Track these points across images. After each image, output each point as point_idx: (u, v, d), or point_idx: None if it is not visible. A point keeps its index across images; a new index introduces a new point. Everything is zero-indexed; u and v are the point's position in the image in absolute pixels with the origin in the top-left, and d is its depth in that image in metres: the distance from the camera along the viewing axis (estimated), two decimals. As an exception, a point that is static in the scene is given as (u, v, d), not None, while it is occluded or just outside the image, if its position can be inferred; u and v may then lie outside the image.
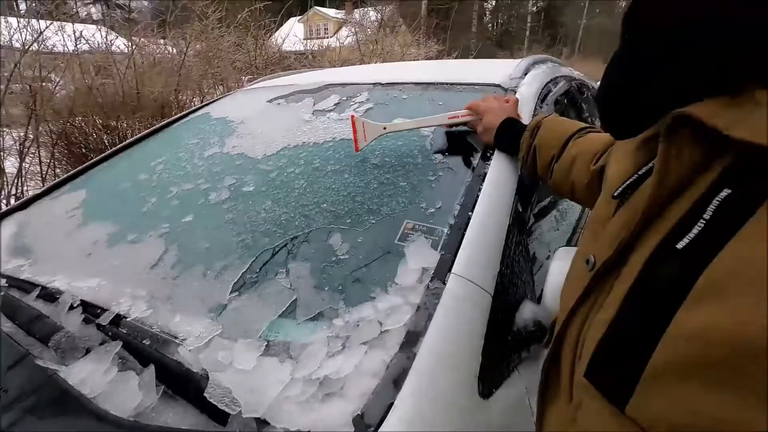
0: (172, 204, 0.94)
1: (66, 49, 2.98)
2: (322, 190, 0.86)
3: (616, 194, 0.40)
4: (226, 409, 0.49)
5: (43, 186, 2.95)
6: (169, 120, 1.58)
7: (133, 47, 3.07)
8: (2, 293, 0.76)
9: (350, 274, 0.68)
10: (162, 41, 4.13)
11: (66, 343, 0.62)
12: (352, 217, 0.78)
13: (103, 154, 1.45)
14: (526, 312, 0.69)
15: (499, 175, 0.81)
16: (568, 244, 1.08)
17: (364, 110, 1.12)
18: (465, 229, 0.69)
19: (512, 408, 0.60)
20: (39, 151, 2.72)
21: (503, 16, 35.95)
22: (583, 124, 0.79)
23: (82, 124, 3.28)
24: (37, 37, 2.46)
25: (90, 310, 0.69)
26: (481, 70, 1.34)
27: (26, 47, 2.38)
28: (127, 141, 1.49)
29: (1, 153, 2.44)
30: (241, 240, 0.78)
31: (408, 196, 0.81)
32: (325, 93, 1.32)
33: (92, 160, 1.42)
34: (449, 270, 0.63)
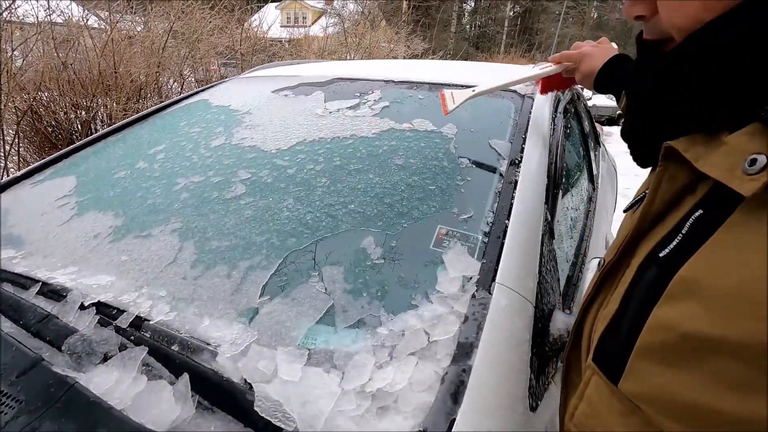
0: (182, 197, 0.88)
1: (36, 19, 2.75)
2: (347, 190, 0.83)
3: (625, 209, 0.49)
4: (281, 425, 0.46)
5: (5, 166, 2.75)
6: (161, 105, 1.49)
7: (113, 22, 2.87)
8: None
9: (387, 279, 0.66)
10: (139, 19, 3.92)
11: (82, 347, 0.57)
12: (382, 219, 0.75)
13: (88, 138, 1.35)
14: (559, 322, 0.69)
15: (530, 184, 0.80)
16: (578, 252, 1.10)
17: (380, 108, 1.09)
18: (503, 238, 0.68)
19: (552, 421, 0.60)
20: (2, 129, 2.51)
21: (481, 18, 36.42)
22: None
23: (50, 102, 3.06)
24: (9, 5, 2.26)
25: (104, 311, 0.63)
26: (495, 75, 1.34)
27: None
28: (116, 125, 1.40)
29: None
30: (266, 239, 0.74)
31: (438, 201, 0.79)
32: (335, 87, 1.28)
33: (76, 144, 1.32)
34: (493, 279, 0.62)
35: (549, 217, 0.79)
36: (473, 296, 0.60)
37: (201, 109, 1.33)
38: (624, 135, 0.47)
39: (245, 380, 0.52)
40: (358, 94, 1.19)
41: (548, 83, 1.02)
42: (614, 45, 0.86)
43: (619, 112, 12.06)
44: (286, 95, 1.28)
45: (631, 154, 0.47)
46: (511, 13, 33.96)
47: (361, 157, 0.92)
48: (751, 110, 0.32)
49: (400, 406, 0.49)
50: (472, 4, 36.40)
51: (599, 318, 0.44)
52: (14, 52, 2.50)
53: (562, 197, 0.98)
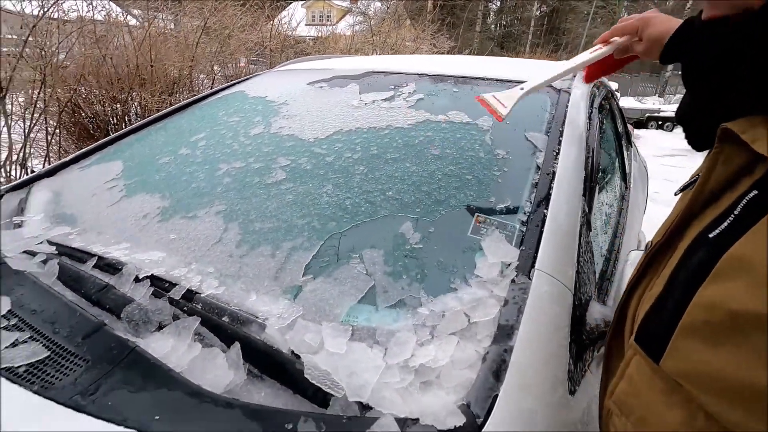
0: (225, 181, 0.92)
1: (80, 15, 2.88)
2: (385, 178, 0.84)
3: (675, 192, 0.49)
4: (331, 392, 0.48)
5: (46, 155, 2.88)
6: (199, 96, 1.54)
7: (149, 20, 2.98)
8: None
9: (426, 263, 0.67)
10: (171, 17, 4.03)
11: (139, 315, 0.60)
12: (420, 206, 0.77)
13: (131, 127, 1.41)
14: (595, 312, 0.69)
15: (568, 175, 0.81)
16: (611, 247, 1.09)
17: (415, 101, 1.11)
18: (542, 226, 0.69)
19: (590, 407, 0.60)
20: (47, 120, 2.63)
21: (507, 18, 35.96)
22: None
23: (89, 94, 3.19)
24: (56, 2, 2.38)
25: (157, 284, 0.67)
26: (525, 70, 1.34)
27: (44, 11, 2.30)
28: (157, 115, 1.45)
29: (9, 118, 2.35)
30: (307, 222, 0.77)
31: (475, 190, 0.80)
32: (369, 80, 1.30)
33: (120, 132, 1.39)
34: (532, 265, 0.63)
35: (586, 209, 0.79)
36: (513, 281, 0.61)
37: (238, 100, 1.37)
38: (680, 114, 0.46)
39: (292, 351, 0.55)
40: (393, 87, 1.20)
41: (596, 68, 0.92)
42: None
43: (648, 114, 11.74)
44: (321, 87, 1.31)
45: (686, 136, 0.46)
46: (538, 13, 33.43)
47: (398, 146, 0.93)
48: None
49: (442, 381, 0.51)
50: (498, 3, 36.01)
51: (644, 299, 0.44)
52: (58, 47, 2.61)
53: (598, 192, 0.98)
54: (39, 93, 2.41)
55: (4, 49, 2.87)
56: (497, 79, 1.19)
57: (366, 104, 1.13)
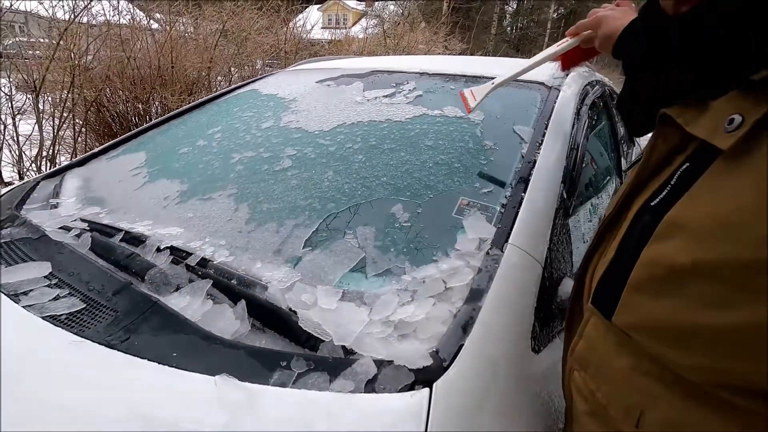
0: (237, 168, 1.01)
1: (107, 19, 3.05)
2: (381, 165, 0.93)
3: (625, 169, 0.53)
4: (320, 337, 0.56)
5: (73, 151, 3.04)
6: (216, 93, 1.65)
7: (171, 23, 3.14)
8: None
9: (413, 239, 0.75)
10: (191, 21, 4.19)
11: (160, 278, 0.70)
12: (411, 190, 0.85)
13: (153, 122, 1.53)
14: (567, 287, 0.76)
15: (548, 163, 0.87)
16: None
17: (414, 97, 1.19)
18: (518, 208, 0.76)
19: (554, 366, 0.67)
20: (74, 118, 2.80)
21: (523, 20, 35.76)
22: None
23: (113, 94, 3.36)
24: (87, 5, 2.54)
25: (176, 253, 0.76)
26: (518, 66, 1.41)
27: (75, 16, 2.46)
28: (176, 111, 1.56)
29: (40, 117, 2.51)
30: (308, 203, 0.85)
31: (462, 176, 0.88)
32: (373, 78, 1.39)
33: (143, 126, 1.50)
34: (506, 240, 0.70)
35: (565, 196, 0.86)
36: (487, 253, 0.68)
37: (252, 97, 1.48)
38: (620, 102, 0.52)
39: (290, 308, 0.63)
40: (395, 85, 1.29)
41: (568, 58, 0.98)
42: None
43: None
44: (328, 85, 1.40)
45: (625, 124, 0.52)
46: (555, 15, 33.13)
47: (395, 138, 1.01)
48: (734, 78, 0.37)
49: (417, 333, 0.59)
50: (514, 5, 35.82)
51: (599, 266, 0.48)
52: (86, 49, 2.77)
53: (585, 184, 1.04)
54: (68, 93, 2.57)
55: (37, 52, 3.05)
56: (481, 77, 1.26)
57: (369, 100, 1.22)
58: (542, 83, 1.21)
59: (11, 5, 2.58)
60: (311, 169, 0.95)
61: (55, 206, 1.03)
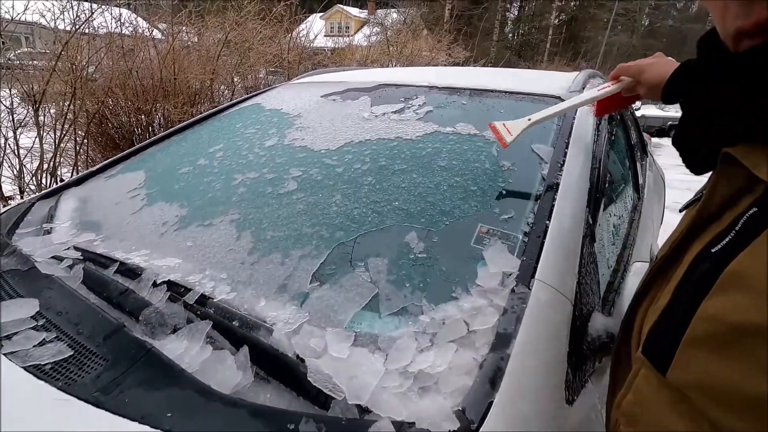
0: (239, 191, 0.96)
1: (109, 31, 3.02)
2: (392, 188, 0.87)
3: (681, 208, 0.50)
4: (331, 394, 0.50)
5: (75, 163, 3.01)
6: (218, 108, 1.61)
7: (174, 34, 3.11)
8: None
9: (429, 272, 0.69)
10: (194, 30, 4.17)
11: (156, 318, 0.64)
12: (425, 216, 0.79)
13: (153, 138, 1.48)
14: (598, 323, 0.70)
15: (572, 187, 0.82)
16: (620, 258, 1.09)
17: (424, 113, 1.14)
18: (543, 237, 0.70)
19: (589, 417, 0.61)
20: (75, 130, 2.76)
21: (524, 27, 35.86)
22: None
23: (115, 106, 3.33)
24: (89, 18, 2.51)
25: (173, 288, 0.70)
26: (534, 81, 1.36)
27: (77, 27, 2.43)
28: (177, 127, 1.52)
29: (41, 129, 2.48)
30: (315, 231, 0.80)
31: (479, 201, 0.82)
32: (380, 92, 1.34)
33: (143, 143, 1.45)
34: (533, 276, 0.64)
35: (590, 221, 0.80)
36: (512, 291, 0.62)
37: (255, 112, 1.43)
38: (676, 141, 0.47)
39: (297, 355, 0.57)
40: (403, 99, 1.24)
41: (605, 105, 0.96)
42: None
43: (670, 122, 11.51)
44: (334, 100, 1.35)
45: (684, 161, 0.47)
46: (556, 21, 33.21)
47: (405, 158, 0.96)
48: None
49: (440, 387, 0.53)
50: (516, 12, 35.97)
51: (650, 312, 0.44)
52: (88, 61, 2.75)
53: (605, 204, 0.98)
54: (69, 105, 2.53)
55: (39, 63, 3.03)
56: (504, 91, 1.21)
57: (377, 116, 1.16)
58: (557, 96, 1.15)
59: (13, 17, 2.56)
60: (318, 193, 0.90)
61: (49, 232, 0.98)
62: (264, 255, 0.76)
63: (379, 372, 0.54)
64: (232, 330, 0.62)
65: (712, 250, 0.37)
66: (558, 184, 0.81)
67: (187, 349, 0.59)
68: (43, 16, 2.58)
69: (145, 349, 0.58)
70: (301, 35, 5.21)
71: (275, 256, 0.76)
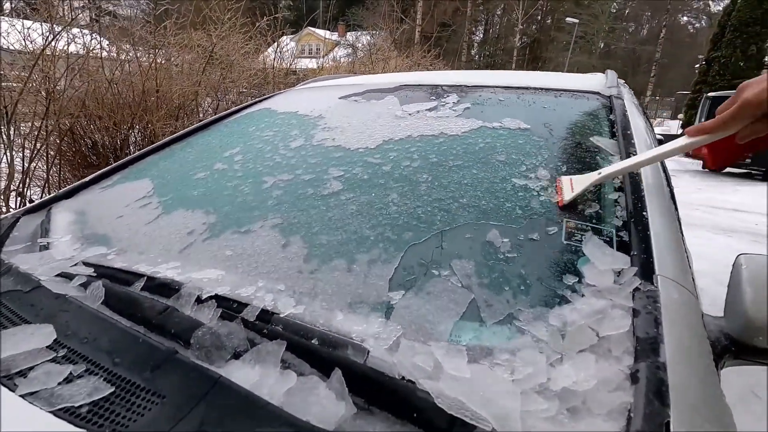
0: (275, 194, 0.85)
1: (78, 50, 2.84)
2: (454, 185, 0.78)
3: None
4: (475, 423, 0.40)
5: (47, 182, 2.77)
6: (222, 114, 1.49)
7: (155, 50, 2.96)
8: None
9: (526, 273, 0.60)
10: (174, 44, 4.02)
11: (211, 340, 0.52)
12: (500, 213, 0.71)
13: (151, 146, 1.34)
14: (710, 324, 0.62)
15: (652, 177, 0.75)
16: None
17: (462, 109, 1.07)
18: (646, 230, 0.63)
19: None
20: (48, 149, 2.55)
21: (490, 48, 37.26)
22: None
23: (89, 123, 3.12)
24: (54, 38, 2.33)
25: (223, 304, 0.58)
26: (566, 81, 1.32)
27: (43, 47, 2.26)
28: (178, 134, 1.39)
29: (10, 148, 2.27)
30: (378, 233, 0.69)
31: (552, 195, 0.74)
32: (405, 93, 1.26)
33: (141, 152, 1.32)
34: (653, 272, 0.56)
35: (677, 212, 0.74)
36: (637, 289, 0.54)
37: (267, 116, 1.32)
38: None
39: (404, 377, 0.46)
40: (434, 98, 1.16)
41: (717, 154, 0.71)
42: None
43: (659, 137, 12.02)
44: (355, 101, 1.26)
45: None
46: (519, 44, 34.69)
47: (458, 153, 0.88)
48: None
49: (590, 406, 0.43)
50: (481, 35, 37.41)
51: None
52: (64, 74, 2.56)
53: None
54: (43, 121, 2.33)
55: (9, 78, 2.81)
56: (542, 88, 1.16)
57: (410, 114, 1.08)
58: (597, 92, 1.11)
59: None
60: (369, 192, 0.80)
61: (46, 247, 0.83)
62: (324, 262, 0.65)
63: (515, 392, 0.44)
64: (313, 351, 0.50)
65: None
66: (639, 175, 0.75)
67: (263, 377, 0.47)
68: (14, 26, 2.39)
69: (212, 380, 0.46)
70: (284, 51, 5.14)
71: (338, 262, 0.65)
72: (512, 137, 0.92)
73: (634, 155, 0.79)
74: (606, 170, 0.72)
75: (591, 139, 0.89)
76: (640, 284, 0.54)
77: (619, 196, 0.72)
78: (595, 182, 0.71)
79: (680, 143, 0.69)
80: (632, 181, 0.73)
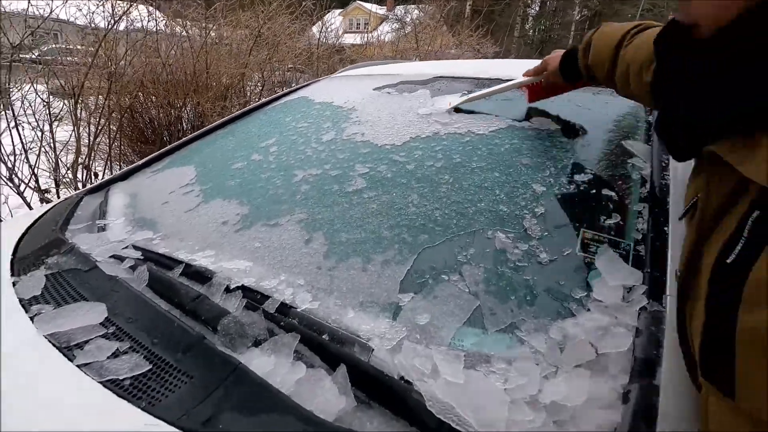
0: (303, 188, 0.89)
1: (143, 26, 3.01)
2: (474, 188, 0.79)
3: (680, 217, 0.48)
4: (460, 428, 0.43)
5: (107, 159, 3.01)
6: (262, 102, 1.56)
7: (207, 30, 3.09)
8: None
9: (534, 283, 0.61)
10: (224, 24, 4.15)
11: (235, 329, 0.58)
12: (517, 219, 0.71)
13: (198, 132, 1.43)
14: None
15: (680, 189, 0.73)
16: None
17: (493, 106, 1.05)
18: (665, 246, 0.62)
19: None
20: (110, 125, 2.76)
21: (546, 23, 35.19)
22: (631, 25, 0.74)
23: (146, 100, 3.33)
24: (123, 14, 2.49)
25: (249, 295, 0.64)
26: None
27: (112, 24, 2.42)
28: (221, 120, 1.47)
29: (78, 124, 2.48)
30: (396, 234, 0.73)
31: (575, 203, 0.74)
32: (438, 85, 1.26)
33: (188, 137, 1.41)
34: (663, 291, 0.56)
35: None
36: (644, 309, 0.54)
37: (303, 106, 1.37)
38: (657, 130, 0.48)
39: (402, 377, 0.50)
40: (465, 93, 1.15)
41: (533, 93, 1.02)
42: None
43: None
44: (389, 92, 1.27)
45: (667, 148, 0.48)
46: (579, 17, 32.47)
47: (482, 154, 0.88)
48: None
49: (578, 423, 0.45)
50: (537, 8, 35.33)
51: (693, 332, 0.42)
52: (125, 54, 2.73)
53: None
54: (105, 100, 2.52)
55: (72, 59, 3.03)
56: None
57: (440, 110, 1.08)
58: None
59: (51, 12, 2.56)
60: (391, 191, 0.83)
61: (103, 228, 0.93)
62: (342, 259, 0.70)
63: (504, 401, 0.46)
64: (323, 345, 0.55)
65: (728, 261, 0.36)
66: (668, 186, 0.72)
67: (277, 366, 0.52)
68: (80, 9, 2.57)
69: (232, 366, 0.52)
70: (329, 30, 5.15)
71: (354, 260, 0.69)
72: (540, 139, 0.90)
73: (665, 164, 0.76)
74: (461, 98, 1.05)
75: (623, 142, 0.86)
76: (648, 303, 0.54)
77: (643, 208, 0.71)
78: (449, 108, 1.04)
79: (516, 81, 1.02)
80: (659, 190, 0.71)
